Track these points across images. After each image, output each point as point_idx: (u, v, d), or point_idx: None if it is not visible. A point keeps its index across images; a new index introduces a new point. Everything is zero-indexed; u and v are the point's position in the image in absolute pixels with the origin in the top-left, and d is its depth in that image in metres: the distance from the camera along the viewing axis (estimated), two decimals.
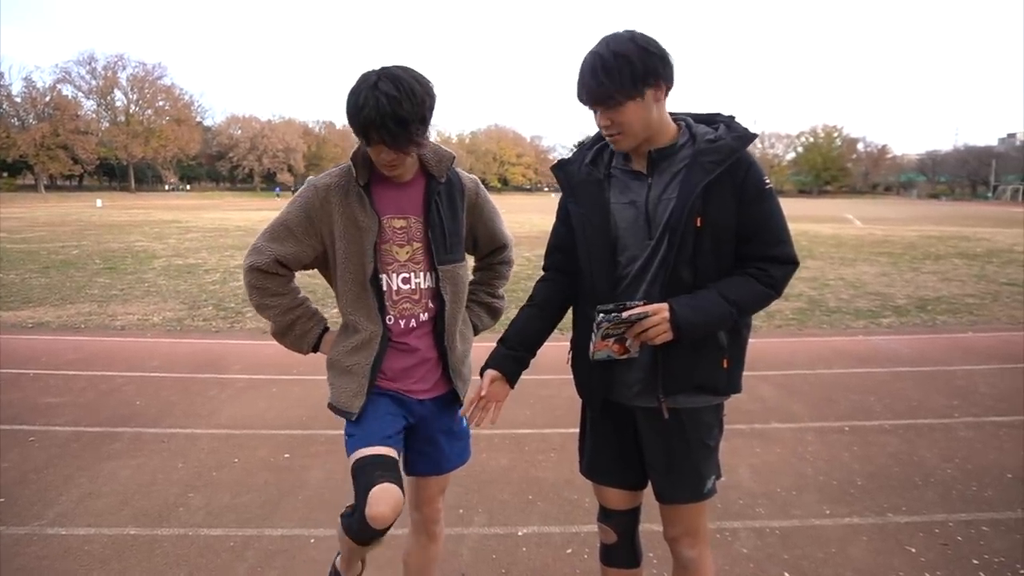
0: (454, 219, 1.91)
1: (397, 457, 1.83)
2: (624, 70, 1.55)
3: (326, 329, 1.99)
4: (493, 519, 3.08)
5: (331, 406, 1.94)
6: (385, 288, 1.85)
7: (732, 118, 1.73)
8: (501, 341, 1.86)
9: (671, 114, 1.71)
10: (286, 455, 3.75)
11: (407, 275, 1.86)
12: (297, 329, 1.94)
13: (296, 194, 1.90)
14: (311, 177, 1.89)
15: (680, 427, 1.74)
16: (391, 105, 1.61)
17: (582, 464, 1.95)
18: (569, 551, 2.81)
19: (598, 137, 1.81)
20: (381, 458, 1.77)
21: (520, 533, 2.96)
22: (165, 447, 3.88)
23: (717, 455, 1.83)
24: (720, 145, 1.63)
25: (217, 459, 3.71)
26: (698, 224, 1.61)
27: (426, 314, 1.90)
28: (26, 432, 4.07)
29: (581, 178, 1.77)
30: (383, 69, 1.67)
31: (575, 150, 1.86)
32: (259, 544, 2.85)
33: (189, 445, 3.90)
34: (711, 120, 1.74)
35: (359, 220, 1.80)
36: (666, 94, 1.63)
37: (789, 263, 1.72)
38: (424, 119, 1.69)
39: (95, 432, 4.08)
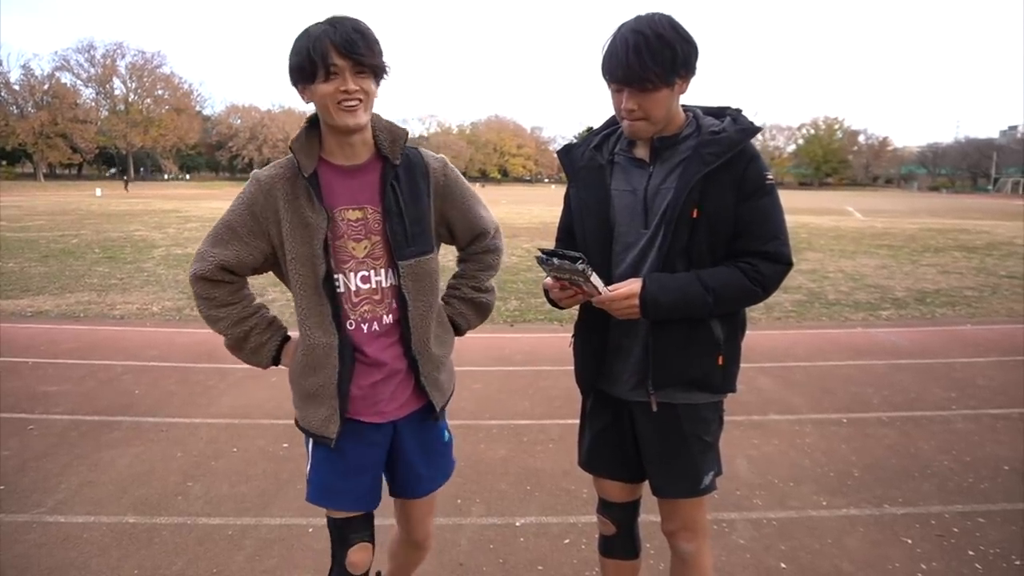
0: (416, 205, 1.69)
1: (370, 508, 1.80)
2: (666, 55, 1.52)
3: (286, 339, 1.78)
4: (491, 509, 3.09)
5: (301, 428, 1.77)
6: (343, 290, 1.66)
7: (739, 111, 1.71)
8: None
9: (682, 105, 1.70)
10: (285, 445, 3.76)
11: (366, 273, 1.67)
12: (252, 342, 1.73)
13: (240, 191, 1.69)
14: (255, 170, 1.70)
15: (676, 422, 1.73)
16: (350, 22, 1.53)
17: (580, 456, 1.95)
18: (567, 541, 2.82)
19: (608, 124, 1.80)
20: (355, 520, 1.77)
21: (518, 523, 2.97)
22: (164, 436, 3.88)
23: (716, 450, 1.82)
24: (722, 137, 1.62)
25: (216, 448, 3.72)
26: (694, 215, 1.60)
27: (390, 316, 1.70)
28: (25, 420, 4.07)
29: (583, 163, 1.77)
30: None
31: (585, 135, 1.85)
32: (257, 533, 2.86)
33: (188, 434, 3.91)
34: (720, 113, 1.72)
35: (307, 217, 1.60)
36: (688, 83, 1.63)
37: (781, 262, 1.65)
38: (379, 50, 1.56)
39: (94, 421, 4.09)
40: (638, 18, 1.56)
